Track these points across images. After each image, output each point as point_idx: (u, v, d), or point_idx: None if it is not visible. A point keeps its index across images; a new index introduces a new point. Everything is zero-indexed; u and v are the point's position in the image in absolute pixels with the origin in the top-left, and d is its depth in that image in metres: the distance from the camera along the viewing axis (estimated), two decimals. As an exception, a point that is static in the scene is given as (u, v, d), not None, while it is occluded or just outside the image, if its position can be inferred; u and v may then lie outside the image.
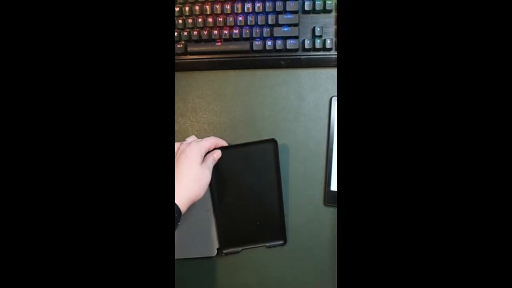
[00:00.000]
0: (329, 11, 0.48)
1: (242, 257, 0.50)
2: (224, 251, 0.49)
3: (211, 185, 0.45)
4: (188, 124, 0.51)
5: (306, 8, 0.47)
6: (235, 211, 0.48)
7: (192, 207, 0.43)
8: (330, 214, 0.49)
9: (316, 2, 0.47)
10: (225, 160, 0.46)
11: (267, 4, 0.48)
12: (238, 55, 0.49)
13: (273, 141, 0.46)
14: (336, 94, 0.49)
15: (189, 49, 0.49)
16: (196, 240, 0.49)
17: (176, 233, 0.45)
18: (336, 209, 0.49)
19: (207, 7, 0.48)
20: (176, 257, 0.48)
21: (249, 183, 0.48)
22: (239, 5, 0.48)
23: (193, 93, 0.51)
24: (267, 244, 0.49)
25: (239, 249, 0.49)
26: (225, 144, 0.46)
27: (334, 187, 0.49)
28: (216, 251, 0.49)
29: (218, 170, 0.46)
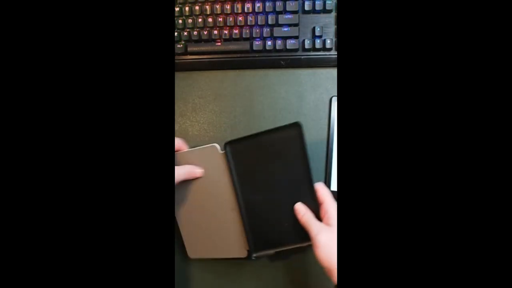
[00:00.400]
0: (329, 11, 0.48)
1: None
2: (254, 255, 0.43)
3: (233, 182, 0.42)
4: (188, 124, 0.51)
5: (306, 8, 0.47)
6: (262, 210, 0.43)
7: (216, 206, 0.43)
8: (330, 214, 0.49)
9: (316, 2, 0.47)
10: (244, 153, 0.41)
11: (267, 4, 0.48)
12: (238, 55, 0.49)
13: (296, 126, 0.39)
14: (336, 94, 0.49)
15: (189, 49, 0.49)
16: (225, 240, 0.45)
17: (204, 232, 0.44)
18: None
19: (207, 7, 0.48)
20: (207, 256, 0.46)
21: (275, 177, 0.42)
22: (239, 5, 0.48)
23: (193, 93, 0.51)
24: (304, 244, 0.41)
25: (272, 251, 0.43)
26: (183, 147, 0.43)
27: (334, 187, 0.49)
28: (246, 252, 0.44)
29: (237, 164, 0.42)
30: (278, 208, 0.42)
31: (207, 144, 0.43)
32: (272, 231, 0.42)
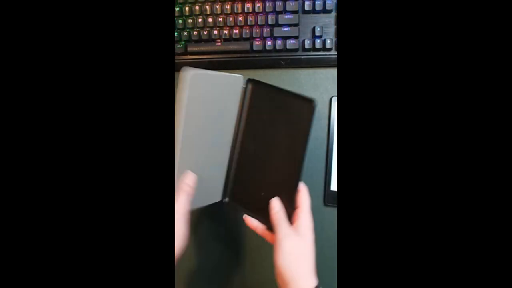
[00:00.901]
0: (329, 11, 0.48)
1: (240, 254, 0.50)
2: (226, 199, 0.43)
3: (239, 120, 0.41)
4: (188, 124, 0.51)
5: (306, 8, 0.47)
6: (251, 163, 0.41)
7: (213, 133, 0.39)
8: (330, 214, 0.49)
9: (316, 2, 0.47)
10: (261, 98, 0.40)
11: (267, 4, 0.48)
12: (238, 55, 0.49)
13: (311, 102, 0.37)
14: (336, 94, 0.49)
15: (189, 49, 0.49)
16: (206, 181, 0.40)
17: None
18: (336, 209, 0.49)
19: (207, 7, 0.48)
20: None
21: (274, 139, 0.39)
22: (239, 5, 0.48)
23: (193, 93, 0.51)
24: (270, 230, 0.39)
25: (242, 211, 0.42)
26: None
27: (334, 187, 0.49)
28: (220, 197, 0.43)
29: (251, 105, 0.41)
30: (264, 171, 0.40)
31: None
32: (251, 191, 0.41)
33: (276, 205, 0.38)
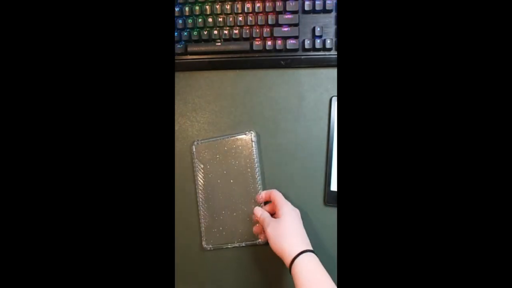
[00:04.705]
0: (329, 11, 0.48)
1: (238, 254, 0.50)
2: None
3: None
4: (188, 124, 0.51)
5: (306, 8, 0.47)
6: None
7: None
8: (330, 214, 0.49)
9: (316, 2, 0.47)
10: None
11: (267, 4, 0.48)
12: (238, 55, 0.49)
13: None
14: (336, 94, 0.49)
15: (189, 49, 0.49)
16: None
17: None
18: (336, 209, 0.49)
19: (207, 7, 0.48)
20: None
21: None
22: (239, 5, 0.48)
23: (193, 93, 0.51)
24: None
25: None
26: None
27: (334, 187, 0.49)
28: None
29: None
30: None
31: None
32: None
33: (258, 211, 0.47)
